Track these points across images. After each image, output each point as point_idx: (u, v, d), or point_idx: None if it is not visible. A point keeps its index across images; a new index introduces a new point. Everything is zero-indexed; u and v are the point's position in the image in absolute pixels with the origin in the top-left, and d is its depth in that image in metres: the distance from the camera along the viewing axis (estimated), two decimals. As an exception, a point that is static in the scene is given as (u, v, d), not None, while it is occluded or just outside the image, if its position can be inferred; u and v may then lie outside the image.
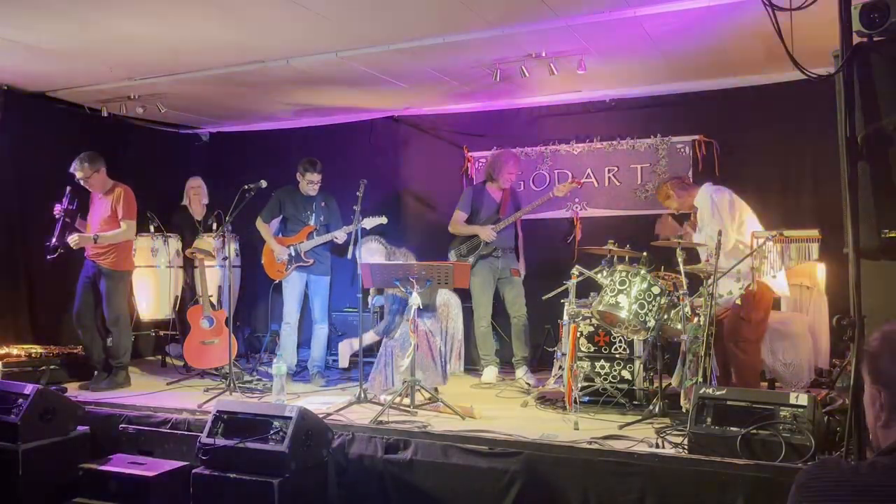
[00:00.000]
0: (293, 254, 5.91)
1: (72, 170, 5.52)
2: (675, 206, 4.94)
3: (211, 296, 6.22)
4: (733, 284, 4.50)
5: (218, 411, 3.92)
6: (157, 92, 6.28)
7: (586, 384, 4.83)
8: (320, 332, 5.99)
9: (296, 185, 6.04)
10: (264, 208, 6.08)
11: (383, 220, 5.71)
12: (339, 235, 5.90)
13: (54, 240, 5.39)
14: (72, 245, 5.35)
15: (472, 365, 6.12)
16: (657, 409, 4.33)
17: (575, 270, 4.96)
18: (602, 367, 4.91)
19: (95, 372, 5.62)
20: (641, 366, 4.80)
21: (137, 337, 6.85)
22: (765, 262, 4.22)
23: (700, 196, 4.74)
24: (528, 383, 5.57)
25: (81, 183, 5.57)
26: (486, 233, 5.86)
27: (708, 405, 3.61)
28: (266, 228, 6.09)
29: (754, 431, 3.41)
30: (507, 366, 6.13)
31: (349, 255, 5.28)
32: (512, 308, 5.92)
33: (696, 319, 4.36)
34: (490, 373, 5.84)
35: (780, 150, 5.81)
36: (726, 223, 4.46)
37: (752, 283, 4.33)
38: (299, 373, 5.95)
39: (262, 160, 7.22)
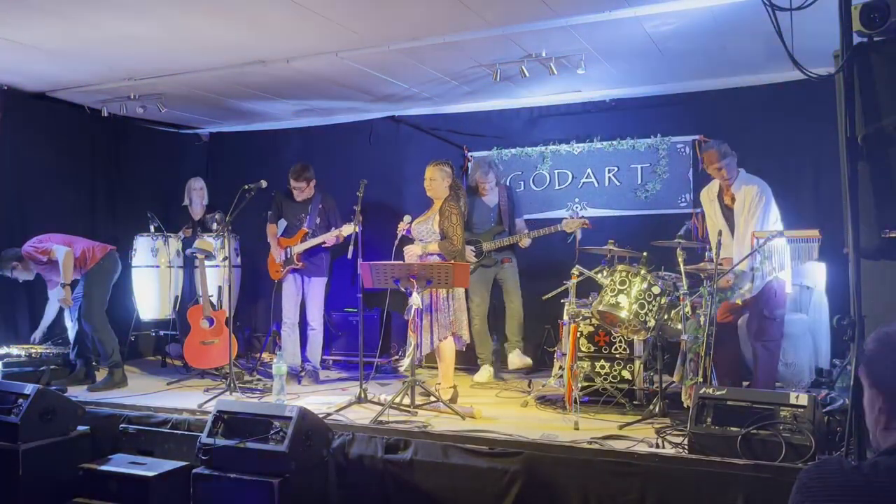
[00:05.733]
0: (286, 256, 5.93)
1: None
2: (717, 164, 4.59)
3: (211, 296, 6.21)
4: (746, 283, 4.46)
5: (218, 411, 3.92)
6: (157, 92, 6.27)
7: (586, 384, 4.83)
8: (312, 333, 5.98)
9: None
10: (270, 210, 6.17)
11: (354, 228, 5.53)
12: (328, 238, 5.84)
13: None
14: (64, 305, 5.54)
15: (472, 365, 6.12)
16: (657, 409, 4.33)
17: (575, 270, 4.96)
18: (602, 367, 4.92)
19: (77, 367, 5.72)
20: (641, 366, 4.80)
21: (137, 337, 6.87)
22: (766, 262, 4.22)
23: (746, 187, 4.49)
24: (523, 363, 5.64)
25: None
26: (468, 256, 5.93)
27: (708, 405, 3.61)
28: (271, 230, 6.14)
29: (754, 431, 3.41)
30: (507, 365, 6.13)
31: (349, 255, 5.27)
32: (508, 299, 5.96)
33: (696, 319, 4.35)
34: (485, 372, 5.84)
35: (780, 150, 5.81)
36: (766, 220, 4.35)
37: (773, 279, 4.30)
38: (298, 374, 5.94)
39: (262, 160, 7.22)
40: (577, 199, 6.54)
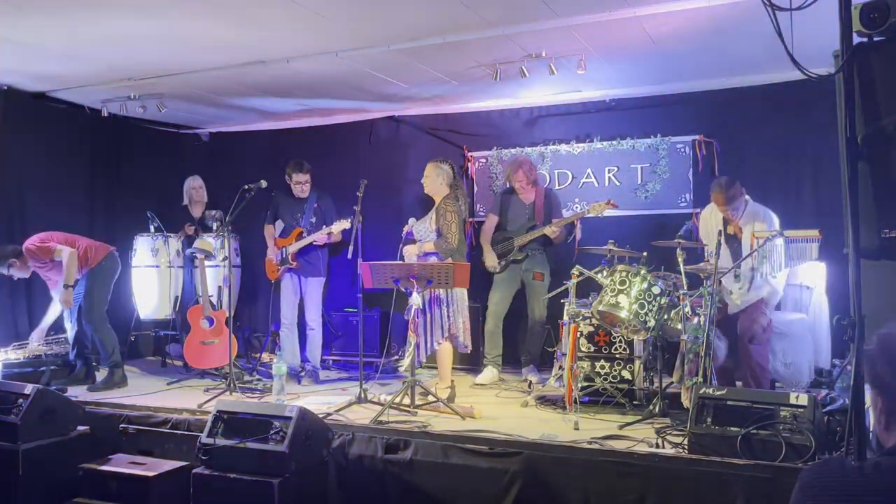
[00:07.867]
0: (281, 256, 5.94)
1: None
2: (725, 208, 4.66)
3: (211, 296, 6.21)
4: (733, 285, 4.50)
5: (218, 411, 3.92)
6: (157, 92, 6.27)
7: (586, 384, 4.83)
8: (311, 333, 5.99)
9: (289, 187, 6.07)
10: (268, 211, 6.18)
11: (346, 224, 5.68)
12: (319, 238, 5.85)
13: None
14: (64, 306, 5.47)
15: (473, 365, 6.12)
16: (657, 409, 4.33)
17: (575, 270, 4.96)
18: (602, 367, 4.91)
19: (77, 367, 5.71)
20: (641, 366, 4.80)
21: (137, 337, 6.87)
22: (766, 263, 4.22)
23: (757, 224, 4.54)
24: (531, 381, 5.58)
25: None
26: (491, 262, 5.92)
27: (708, 405, 3.61)
28: (268, 231, 6.15)
29: (754, 431, 3.41)
30: (508, 366, 6.12)
31: (349, 255, 5.28)
32: (531, 310, 5.93)
33: (695, 319, 4.35)
34: (488, 373, 5.81)
35: (780, 150, 5.81)
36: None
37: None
38: (298, 374, 5.94)
39: (262, 160, 7.22)
40: (577, 199, 6.54)
